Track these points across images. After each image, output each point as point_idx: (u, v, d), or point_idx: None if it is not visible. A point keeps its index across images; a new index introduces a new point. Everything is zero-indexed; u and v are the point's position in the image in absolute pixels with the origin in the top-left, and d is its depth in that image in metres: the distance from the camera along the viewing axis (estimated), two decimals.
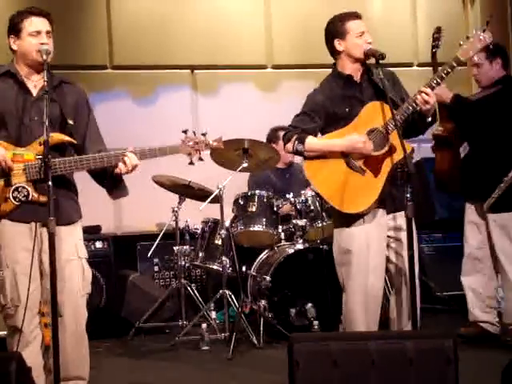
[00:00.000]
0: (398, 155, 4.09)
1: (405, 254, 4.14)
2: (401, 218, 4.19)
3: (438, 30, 4.80)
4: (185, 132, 3.88)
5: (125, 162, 3.78)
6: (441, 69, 4.12)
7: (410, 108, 4.10)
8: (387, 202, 4.22)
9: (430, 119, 4.20)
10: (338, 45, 4.30)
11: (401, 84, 4.39)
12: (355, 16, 4.31)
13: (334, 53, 4.35)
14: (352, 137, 4.15)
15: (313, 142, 4.25)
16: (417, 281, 4.11)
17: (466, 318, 5.45)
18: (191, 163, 3.88)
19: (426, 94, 4.07)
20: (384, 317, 4.43)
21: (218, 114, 7.36)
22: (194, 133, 3.89)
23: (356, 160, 4.18)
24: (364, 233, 4.21)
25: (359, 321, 4.22)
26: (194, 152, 3.87)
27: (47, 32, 3.85)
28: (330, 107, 4.29)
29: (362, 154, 4.15)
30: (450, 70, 4.09)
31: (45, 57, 3.73)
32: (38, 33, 3.83)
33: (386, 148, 4.12)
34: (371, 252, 4.19)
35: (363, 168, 4.17)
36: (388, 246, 4.27)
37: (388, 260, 4.28)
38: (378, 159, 4.15)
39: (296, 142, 4.23)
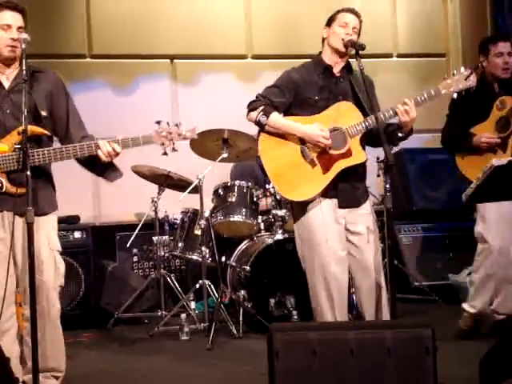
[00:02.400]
0: (354, 160, 4.17)
1: (364, 247, 4.23)
2: (356, 212, 4.27)
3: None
4: (158, 122, 3.88)
5: (98, 153, 3.78)
6: (419, 95, 4.16)
7: (387, 117, 4.14)
8: (340, 195, 4.25)
9: (402, 135, 4.22)
10: (325, 32, 4.36)
11: (375, 94, 4.40)
12: (351, 11, 4.35)
13: (322, 40, 4.39)
14: (316, 128, 4.17)
15: (277, 118, 4.25)
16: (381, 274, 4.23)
17: (442, 307, 5.46)
18: (165, 153, 3.89)
19: (409, 107, 4.11)
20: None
21: (198, 103, 7.35)
22: (168, 123, 3.89)
23: (311, 151, 4.21)
24: (323, 227, 4.23)
25: (326, 311, 4.22)
26: (168, 142, 3.87)
27: (18, 27, 3.82)
28: (302, 90, 4.31)
29: (319, 147, 4.17)
30: (428, 99, 4.16)
31: (24, 46, 3.70)
32: (9, 26, 3.80)
33: (344, 150, 4.16)
34: (331, 245, 4.21)
35: (315, 161, 4.21)
36: (347, 239, 4.30)
37: (348, 254, 4.30)
38: (331, 158, 4.18)
39: (261, 113, 4.23)
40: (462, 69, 4.23)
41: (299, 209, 4.32)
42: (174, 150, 3.89)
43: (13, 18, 3.82)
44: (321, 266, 4.22)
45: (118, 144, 3.82)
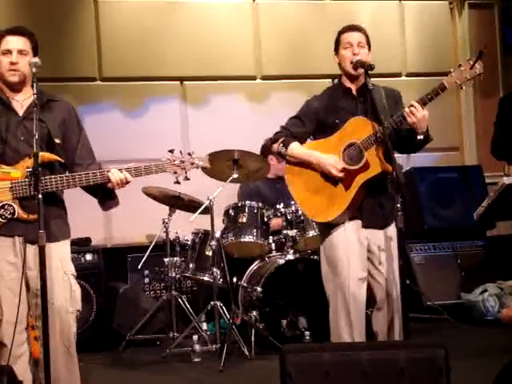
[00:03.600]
0: (372, 172, 4.17)
1: (385, 268, 4.24)
2: (380, 234, 4.27)
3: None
4: (171, 151, 3.90)
5: (110, 180, 3.79)
6: (425, 94, 4.10)
7: (397, 121, 4.13)
8: (364, 215, 4.26)
9: (421, 137, 4.18)
10: (335, 57, 4.38)
11: (402, 105, 4.37)
12: (350, 28, 4.36)
13: (339, 64, 4.41)
14: (332, 159, 4.21)
15: (294, 148, 4.35)
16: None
17: (455, 326, 5.44)
18: (177, 182, 3.92)
19: (414, 107, 4.09)
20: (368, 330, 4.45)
21: (208, 125, 7.36)
22: (181, 152, 3.91)
23: None
24: (345, 246, 4.24)
25: (344, 334, 4.23)
26: (180, 171, 3.89)
27: (20, 51, 3.81)
28: (322, 115, 4.36)
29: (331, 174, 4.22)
30: (434, 96, 4.10)
31: (34, 69, 3.72)
32: (9, 51, 3.81)
33: (361, 164, 4.17)
34: (352, 265, 4.22)
35: (336, 180, 4.23)
36: (368, 259, 4.30)
37: (368, 274, 4.30)
38: (351, 173, 4.20)
39: (281, 145, 4.37)
40: (466, 60, 4.11)
41: (325, 230, 4.36)
42: (186, 178, 3.91)
43: (12, 43, 3.82)
44: (341, 287, 4.22)
45: (131, 172, 3.84)
